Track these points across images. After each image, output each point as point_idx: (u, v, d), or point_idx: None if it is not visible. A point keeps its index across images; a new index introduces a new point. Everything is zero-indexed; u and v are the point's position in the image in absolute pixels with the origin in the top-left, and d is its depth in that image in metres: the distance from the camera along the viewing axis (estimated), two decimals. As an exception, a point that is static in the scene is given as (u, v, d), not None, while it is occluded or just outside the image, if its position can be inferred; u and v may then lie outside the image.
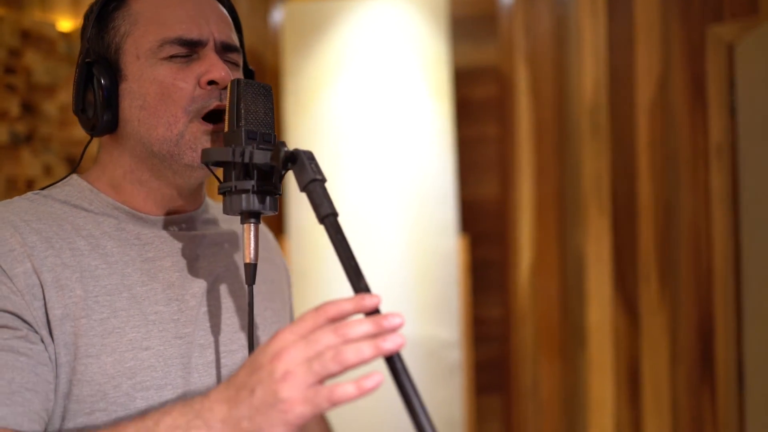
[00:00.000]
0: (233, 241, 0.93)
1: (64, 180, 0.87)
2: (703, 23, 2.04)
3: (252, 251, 0.78)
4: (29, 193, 0.83)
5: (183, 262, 0.85)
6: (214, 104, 0.81)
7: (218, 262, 0.89)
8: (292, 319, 1.03)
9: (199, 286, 0.85)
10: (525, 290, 2.24)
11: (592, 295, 2.18)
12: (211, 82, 0.81)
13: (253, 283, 0.78)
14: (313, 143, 2.19)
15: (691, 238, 2.06)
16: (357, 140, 2.20)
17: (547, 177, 2.26)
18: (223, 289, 0.87)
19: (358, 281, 0.66)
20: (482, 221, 2.31)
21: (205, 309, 0.85)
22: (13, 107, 1.97)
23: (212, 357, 0.84)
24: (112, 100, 0.81)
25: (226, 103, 0.78)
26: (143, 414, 0.67)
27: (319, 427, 1.16)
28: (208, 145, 0.81)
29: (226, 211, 0.78)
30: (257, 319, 0.89)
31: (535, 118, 2.28)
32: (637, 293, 2.12)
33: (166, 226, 0.86)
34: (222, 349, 0.84)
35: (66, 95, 2.08)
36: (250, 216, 0.77)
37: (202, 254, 0.88)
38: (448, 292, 2.16)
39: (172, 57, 0.80)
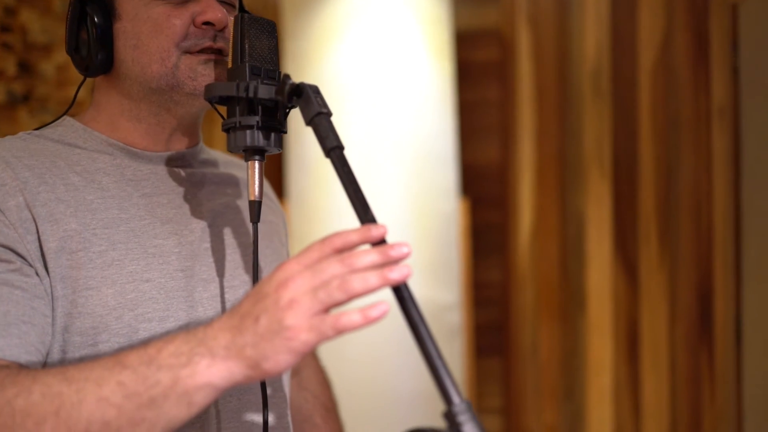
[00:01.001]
0: (233, 183, 0.92)
1: (57, 121, 0.86)
2: (707, -17, 2.02)
3: (257, 188, 0.77)
4: (21, 133, 0.82)
5: (181, 199, 0.85)
6: (206, 43, 0.80)
7: (217, 201, 0.88)
8: None
9: (199, 222, 0.85)
10: (525, 253, 2.25)
11: (592, 257, 2.18)
12: (206, 23, 0.79)
13: (258, 220, 0.77)
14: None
15: (691, 200, 2.06)
16: (357, 103, 2.18)
17: (548, 140, 2.25)
18: (223, 226, 0.87)
19: (365, 213, 0.66)
20: (483, 184, 2.31)
21: (206, 245, 0.84)
22: (10, 66, 1.95)
23: (216, 291, 0.83)
24: (105, 39, 0.80)
25: (230, 38, 0.77)
26: (146, 342, 0.67)
27: (317, 378, 1.16)
28: (205, 73, 0.79)
29: (230, 147, 0.77)
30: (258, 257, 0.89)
31: (537, 80, 2.26)
32: (637, 255, 2.12)
33: (163, 162, 0.85)
34: (225, 284, 0.84)
35: (63, 55, 2.06)
36: (254, 153, 0.77)
37: (200, 192, 0.87)
38: (449, 256, 2.16)
39: None
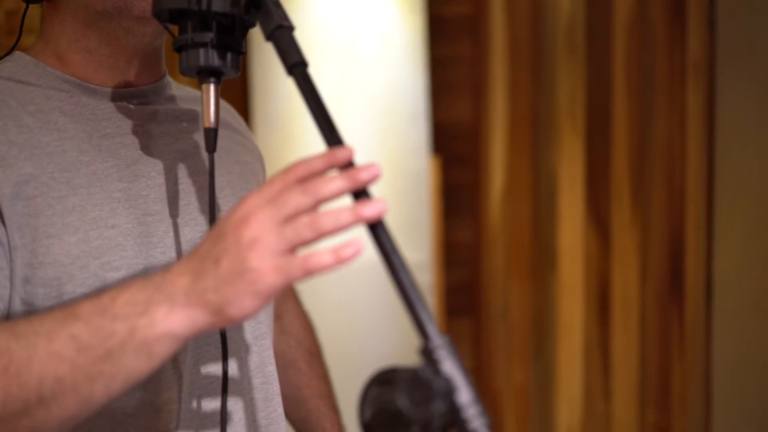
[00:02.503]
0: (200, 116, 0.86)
1: (5, 57, 0.78)
2: (684, -65, 1.97)
3: (212, 115, 0.70)
4: None
5: (146, 139, 0.78)
6: None
7: (187, 139, 0.81)
8: None
9: (167, 163, 0.78)
10: (497, 213, 2.21)
11: (564, 216, 2.15)
12: None
13: (214, 150, 0.71)
14: (278, 62, 2.09)
15: (664, 158, 2.04)
16: (325, 58, 2.11)
17: (520, 97, 2.20)
18: (195, 166, 0.80)
19: (331, 134, 0.60)
20: (454, 143, 2.25)
21: (178, 187, 0.78)
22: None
23: (191, 235, 0.77)
24: None
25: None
26: (100, 291, 0.62)
27: (300, 322, 1.11)
28: None
29: (182, 69, 0.70)
30: (233, 201, 0.82)
31: (510, 35, 2.20)
32: (610, 213, 2.10)
33: (123, 99, 0.78)
34: (200, 228, 0.78)
35: (13, 1, 1.95)
36: (209, 75, 0.69)
37: (166, 131, 0.80)
38: (419, 215, 2.11)
39: None
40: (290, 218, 0.55)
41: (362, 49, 2.14)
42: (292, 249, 0.55)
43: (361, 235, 0.55)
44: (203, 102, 0.70)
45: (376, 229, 0.56)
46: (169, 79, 0.86)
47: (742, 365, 1.86)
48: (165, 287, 0.58)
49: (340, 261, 0.55)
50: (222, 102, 0.96)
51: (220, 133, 0.87)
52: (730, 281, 1.89)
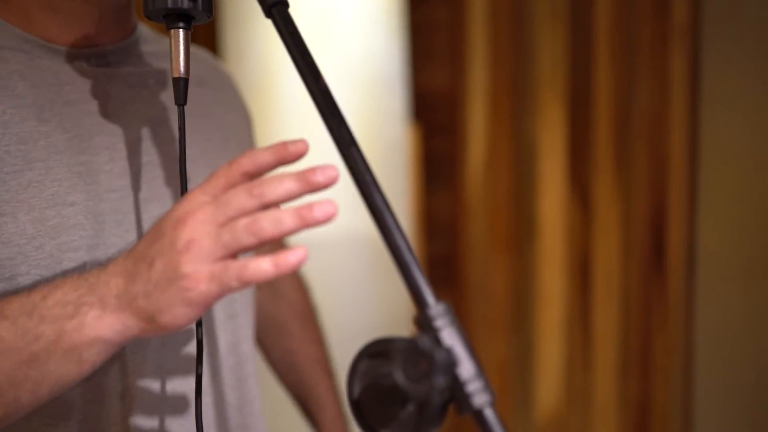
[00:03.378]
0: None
1: None
2: None
3: (182, 63, 0.63)
4: None
5: (114, 106, 0.70)
6: None
7: (158, 105, 0.74)
8: None
9: (135, 132, 0.71)
10: (477, 183, 2.16)
11: (545, 186, 2.11)
12: None
13: (184, 102, 0.64)
14: (251, 28, 2.01)
15: (647, 127, 2.00)
16: (299, 23, 2.03)
17: (501, 64, 2.14)
18: (164, 135, 0.73)
19: (316, 83, 0.54)
20: (434, 111, 2.20)
21: (147, 158, 0.71)
22: None
23: (158, 212, 0.71)
24: None
25: None
26: (31, 289, 0.56)
27: (292, 284, 1.06)
28: None
29: (147, 12, 0.63)
30: (206, 173, 0.76)
31: (490, 1, 2.14)
32: (591, 184, 2.06)
33: (89, 61, 0.70)
34: (169, 205, 0.72)
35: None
36: (177, 19, 0.63)
37: (137, 95, 0.73)
38: (397, 185, 2.06)
39: None
40: (231, 220, 0.50)
41: (338, 14, 2.07)
42: (231, 254, 0.50)
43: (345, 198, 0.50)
44: (171, 50, 0.63)
45: (367, 187, 0.51)
46: (141, 32, 0.78)
47: (725, 337, 1.85)
48: (98, 288, 0.53)
49: (281, 270, 0.50)
50: (202, 53, 0.88)
51: (199, 93, 0.80)
52: (715, 252, 1.87)
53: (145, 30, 0.80)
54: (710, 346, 1.89)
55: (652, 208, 2.01)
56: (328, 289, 1.92)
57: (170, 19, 0.63)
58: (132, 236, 0.68)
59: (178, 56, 0.63)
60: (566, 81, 2.09)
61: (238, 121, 0.86)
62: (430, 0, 2.18)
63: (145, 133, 0.72)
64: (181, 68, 0.63)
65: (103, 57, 0.72)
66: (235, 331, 0.79)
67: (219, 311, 0.77)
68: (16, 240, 0.62)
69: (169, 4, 0.61)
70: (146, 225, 0.70)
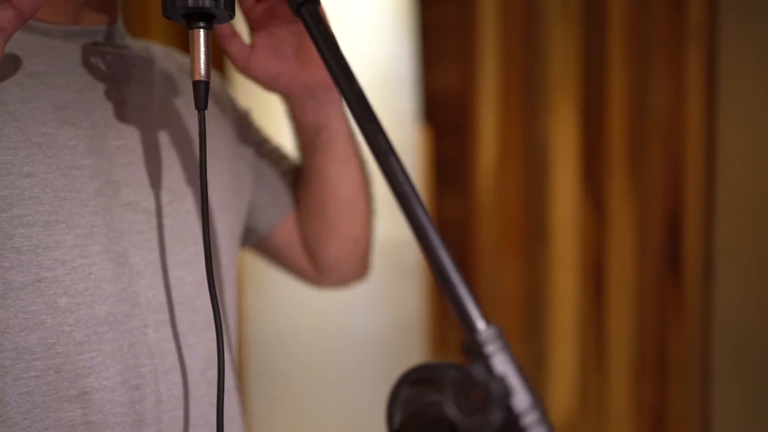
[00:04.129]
0: (159, 68, 0.74)
1: None
2: None
3: (202, 65, 0.59)
4: None
5: (84, 83, 0.66)
6: None
7: (133, 89, 0.70)
8: (246, 159, 0.85)
9: (105, 112, 0.66)
10: (488, 185, 2.12)
11: (558, 188, 2.07)
12: None
13: (205, 106, 0.60)
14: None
15: (662, 127, 1.96)
16: (307, 22, 1.99)
17: (512, 64, 2.10)
18: (139, 120, 0.69)
19: (350, 86, 0.50)
20: (444, 112, 2.16)
21: (118, 143, 0.67)
22: None
23: (132, 198, 0.66)
24: None
25: None
26: None
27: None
28: None
29: (165, 12, 0.59)
30: (174, 167, 0.71)
31: (501, 1, 2.10)
32: (605, 185, 2.02)
33: (64, 37, 0.66)
34: (147, 192, 0.67)
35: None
36: (198, 18, 0.59)
37: (111, 76, 0.68)
38: (407, 187, 2.02)
39: None
40: None
41: (347, 14, 2.03)
42: None
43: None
44: (192, 51, 0.60)
45: (407, 199, 0.47)
46: (121, 27, 0.74)
47: (744, 341, 1.81)
48: None
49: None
50: (174, 52, 0.83)
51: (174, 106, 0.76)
52: (732, 254, 1.83)
53: (122, 27, 0.76)
54: (728, 350, 1.85)
55: (668, 210, 1.97)
56: (336, 296, 1.88)
57: (191, 19, 0.59)
58: (100, 219, 0.63)
59: (199, 58, 0.59)
60: (579, 81, 2.05)
61: (221, 136, 0.80)
62: (441, 0, 2.15)
63: (119, 115, 0.67)
64: (202, 71, 0.60)
65: (80, 35, 0.67)
66: (214, 339, 0.74)
67: (197, 318, 0.71)
68: None
69: (190, 3, 0.58)
70: (118, 210, 0.65)
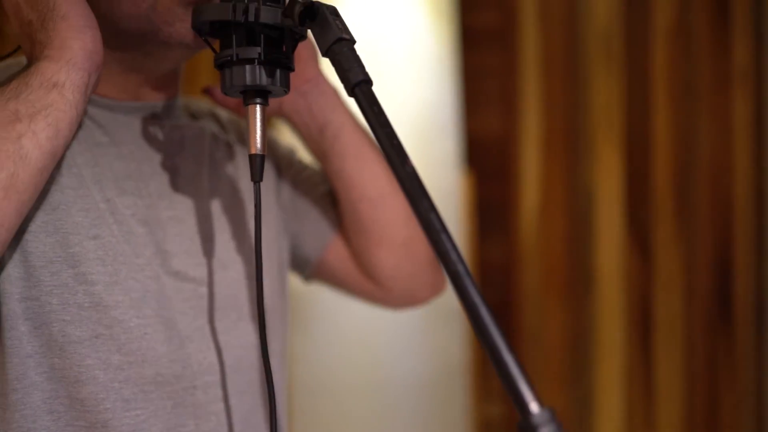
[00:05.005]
0: (210, 139, 0.77)
1: (12, 55, 0.71)
2: (728, -61, 1.89)
3: (258, 139, 0.62)
4: None
5: (142, 153, 0.70)
6: None
7: (187, 161, 0.73)
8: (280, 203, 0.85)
9: (162, 183, 0.70)
10: (530, 230, 2.12)
11: (602, 233, 2.05)
12: None
13: (260, 179, 0.63)
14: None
15: (709, 172, 1.94)
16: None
17: (555, 108, 2.11)
18: (194, 191, 0.72)
19: (402, 165, 0.52)
20: (487, 157, 2.17)
21: (170, 213, 0.70)
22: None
23: (180, 267, 0.69)
24: None
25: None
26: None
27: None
28: (186, 17, 0.64)
29: (224, 89, 0.62)
30: (216, 233, 0.74)
31: (543, 44, 2.12)
32: (651, 231, 2.00)
33: (126, 112, 0.71)
34: (195, 261, 0.70)
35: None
36: (255, 95, 0.62)
37: (168, 149, 0.72)
38: (450, 231, 2.03)
39: None
40: None
41: (391, 59, 2.07)
42: None
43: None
44: (248, 125, 0.62)
45: (460, 279, 0.48)
46: (182, 101, 0.78)
47: (798, 393, 1.75)
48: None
49: None
50: (220, 110, 0.86)
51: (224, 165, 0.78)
52: (785, 303, 1.79)
53: (181, 100, 0.79)
54: (783, 403, 1.79)
55: (716, 256, 1.94)
56: (382, 338, 1.89)
57: (248, 94, 0.62)
58: (153, 285, 0.67)
59: (255, 132, 0.62)
60: (622, 125, 2.05)
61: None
62: (483, 45, 2.17)
63: (172, 185, 0.71)
64: (258, 145, 0.62)
65: (140, 111, 0.72)
66: (253, 401, 0.75)
67: (240, 380, 0.73)
68: (33, 261, 0.61)
69: (248, 81, 0.60)
70: (167, 278, 0.68)
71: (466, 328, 2.06)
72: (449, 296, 2.09)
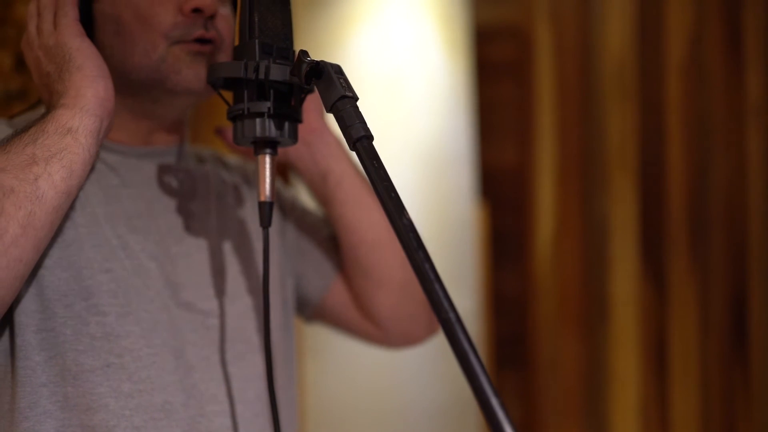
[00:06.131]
0: (216, 181, 0.82)
1: (33, 108, 0.77)
2: (741, -25, 1.91)
3: (268, 187, 0.66)
4: (1, 119, 0.74)
5: (152, 194, 0.75)
6: (197, 33, 0.70)
7: (194, 202, 0.78)
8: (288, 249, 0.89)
9: (171, 221, 0.75)
10: (546, 260, 2.13)
11: (617, 264, 2.06)
12: (195, 10, 0.70)
13: (269, 225, 0.66)
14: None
15: (724, 204, 1.95)
16: (370, 100, 2.08)
17: (569, 140, 2.14)
18: (200, 229, 0.76)
19: (399, 217, 0.55)
20: (501, 187, 2.19)
21: (179, 249, 0.74)
22: (6, 61, 1.85)
23: (189, 299, 0.73)
24: (85, 20, 0.70)
25: (237, 12, 0.67)
26: None
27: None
28: (193, 67, 0.70)
29: (236, 139, 0.66)
30: (226, 266, 0.78)
31: (558, 78, 2.15)
32: (665, 262, 2.01)
33: (137, 156, 0.76)
34: (204, 294, 0.74)
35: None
36: (265, 145, 0.66)
37: (175, 190, 0.77)
38: (465, 262, 2.05)
39: None
40: None
41: (407, 91, 2.11)
42: None
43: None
44: (258, 174, 0.66)
45: (452, 329, 0.51)
46: (191, 149, 0.83)
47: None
48: None
49: None
50: (225, 155, 0.91)
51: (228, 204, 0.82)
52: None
53: (193, 147, 0.84)
54: (800, 438, 1.78)
55: (731, 288, 1.94)
56: (393, 368, 1.91)
57: (258, 145, 0.66)
58: (163, 315, 0.70)
59: (265, 181, 0.66)
60: (637, 156, 2.06)
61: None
62: (498, 78, 2.21)
63: (180, 223, 0.75)
64: (267, 193, 0.66)
65: (149, 155, 0.76)
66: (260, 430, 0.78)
67: (245, 410, 0.76)
68: (48, 294, 0.65)
69: (258, 133, 0.64)
70: (177, 310, 0.72)
71: (480, 356, 2.07)
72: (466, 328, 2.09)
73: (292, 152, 0.83)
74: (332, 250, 0.90)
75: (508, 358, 2.14)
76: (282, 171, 0.97)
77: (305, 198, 0.94)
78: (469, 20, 2.15)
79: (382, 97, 2.08)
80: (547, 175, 2.15)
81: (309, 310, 0.93)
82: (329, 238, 0.91)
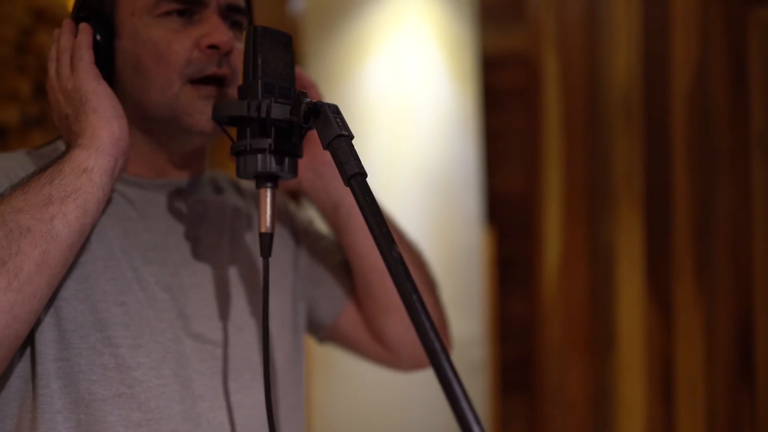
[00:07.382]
0: (231, 211, 0.85)
1: (55, 141, 0.81)
2: (745, 6, 1.93)
3: (268, 219, 0.70)
4: (21, 150, 0.78)
5: (168, 226, 0.79)
6: (211, 69, 0.75)
7: (209, 234, 0.81)
8: (298, 276, 0.92)
9: (185, 253, 0.78)
10: (552, 286, 2.15)
11: (623, 290, 2.07)
12: (211, 46, 0.74)
13: (269, 255, 0.70)
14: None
15: (729, 233, 1.95)
16: (378, 128, 2.12)
17: (576, 168, 2.16)
18: (212, 260, 0.80)
19: (389, 251, 0.58)
20: (508, 214, 2.22)
21: (192, 280, 0.78)
22: (25, 88, 1.91)
23: (200, 330, 0.76)
24: (106, 57, 0.75)
25: (242, 52, 0.71)
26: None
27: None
28: (205, 109, 0.74)
29: (239, 173, 0.70)
30: (235, 294, 0.81)
31: (564, 106, 2.18)
32: (671, 289, 2.01)
33: (153, 189, 0.80)
34: (213, 324, 0.77)
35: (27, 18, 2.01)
36: (266, 179, 0.69)
37: (193, 221, 0.81)
38: (472, 287, 2.07)
39: (168, 13, 0.74)
40: None
41: (416, 119, 2.15)
42: None
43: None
44: (260, 206, 0.70)
45: (437, 358, 0.53)
46: (208, 176, 0.87)
47: (821, 458, 1.73)
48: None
49: None
50: (239, 181, 0.94)
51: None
52: (805, 366, 1.78)
53: (210, 174, 0.87)
54: (806, 467, 1.77)
55: (738, 316, 1.94)
56: (399, 388, 1.92)
57: (260, 179, 0.69)
58: (173, 346, 0.73)
59: (266, 213, 0.69)
60: (643, 183, 2.08)
61: (284, 251, 0.89)
62: (506, 105, 2.24)
63: (194, 254, 0.79)
64: (268, 224, 0.69)
65: (168, 188, 0.80)
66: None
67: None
68: (65, 325, 0.69)
69: (259, 168, 0.68)
70: (187, 341, 0.74)
71: (487, 380, 2.09)
72: (470, 351, 2.15)
73: (306, 183, 0.87)
74: (344, 276, 0.94)
75: (514, 382, 2.15)
76: (295, 196, 1.01)
77: (319, 223, 0.98)
78: (477, 49, 2.19)
79: (392, 124, 2.12)
80: (553, 201, 2.17)
81: (322, 332, 0.96)
82: (341, 263, 0.94)
